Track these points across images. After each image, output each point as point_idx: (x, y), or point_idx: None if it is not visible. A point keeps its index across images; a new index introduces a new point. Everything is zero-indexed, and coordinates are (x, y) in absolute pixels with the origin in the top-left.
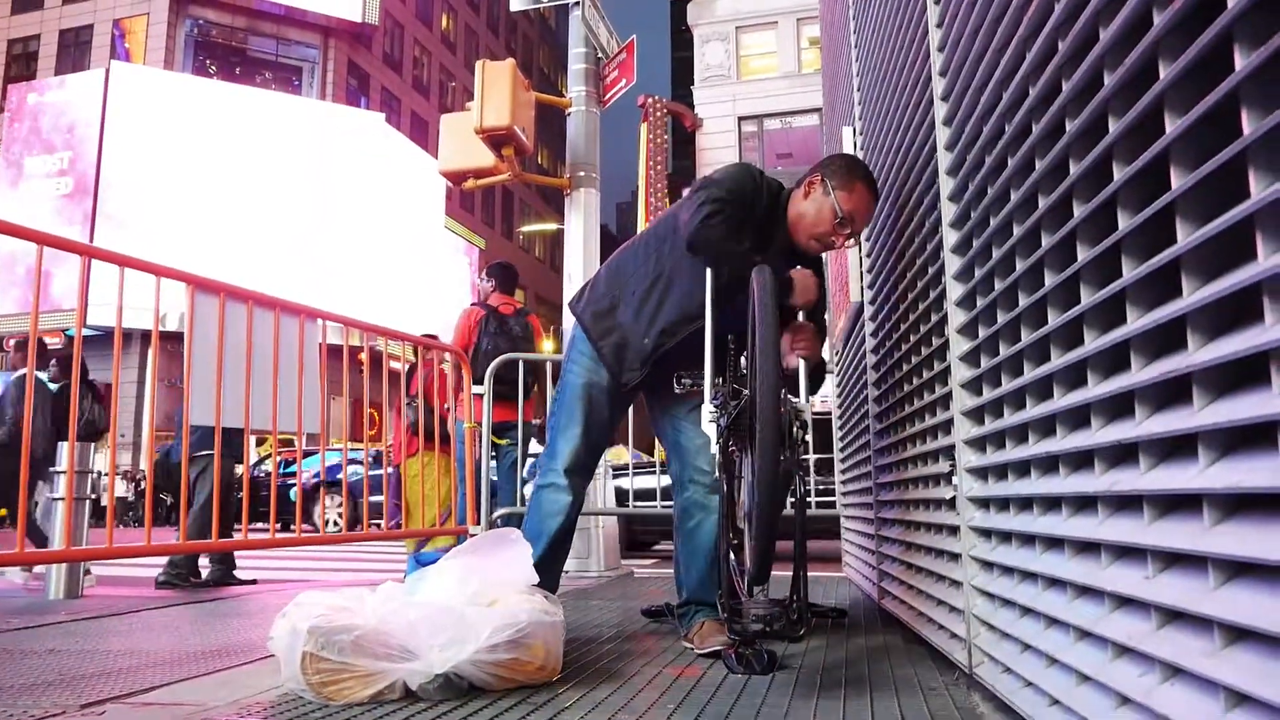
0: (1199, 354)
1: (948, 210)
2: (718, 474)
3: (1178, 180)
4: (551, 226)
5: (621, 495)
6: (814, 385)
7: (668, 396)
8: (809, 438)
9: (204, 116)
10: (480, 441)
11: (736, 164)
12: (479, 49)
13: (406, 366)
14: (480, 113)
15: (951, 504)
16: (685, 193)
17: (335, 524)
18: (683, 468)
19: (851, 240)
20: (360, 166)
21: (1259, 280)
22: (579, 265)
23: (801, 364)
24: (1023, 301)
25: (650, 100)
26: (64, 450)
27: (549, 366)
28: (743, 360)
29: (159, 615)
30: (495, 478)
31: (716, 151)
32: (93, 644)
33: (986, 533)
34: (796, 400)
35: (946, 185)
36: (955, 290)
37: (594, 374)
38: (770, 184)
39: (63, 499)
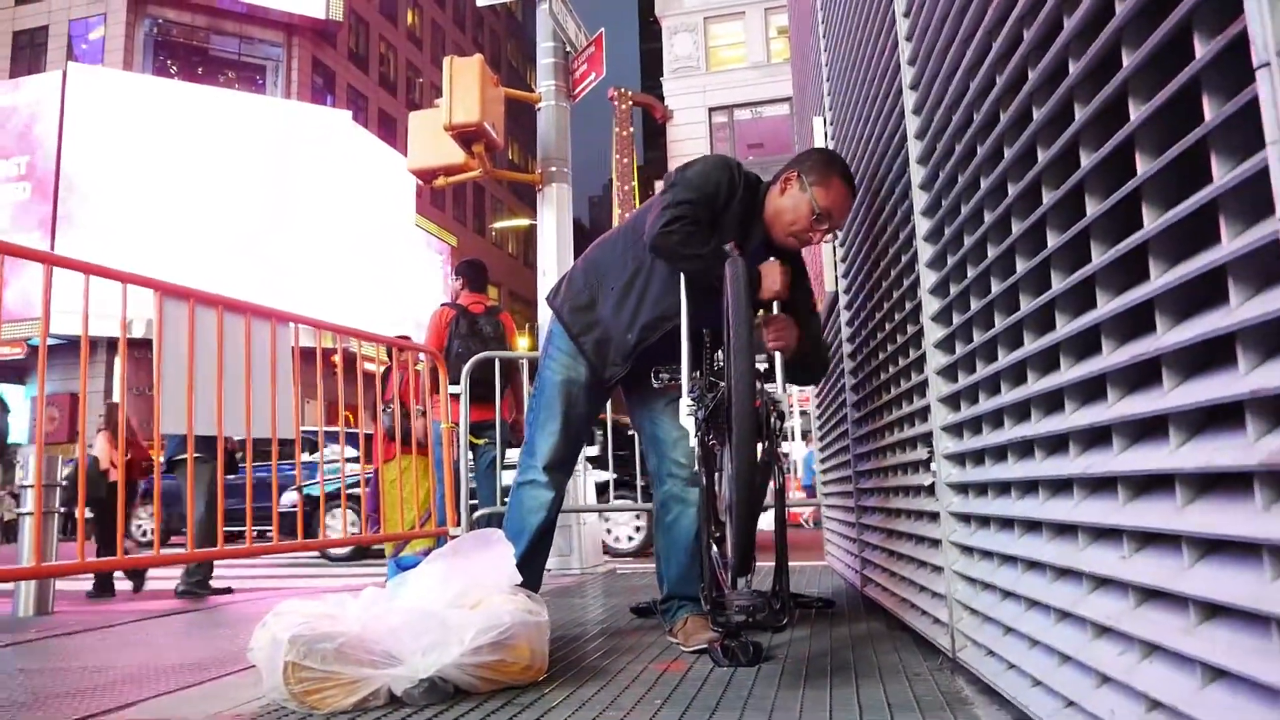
0: (1167, 337)
1: (919, 199)
2: (697, 467)
3: (1143, 166)
4: (524, 222)
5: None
6: (814, 376)
7: (645, 391)
8: (789, 427)
9: (166, 118)
10: (458, 442)
11: (713, 157)
12: (446, 45)
13: (381, 369)
14: (449, 109)
15: (930, 490)
16: (658, 186)
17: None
18: (660, 461)
19: (830, 235)
20: (328, 165)
21: (1224, 263)
22: (553, 261)
23: (778, 355)
24: (995, 288)
25: (617, 92)
26: (31, 463)
27: (525, 365)
28: (720, 354)
29: (134, 629)
30: (474, 477)
31: (687, 143)
32: (65, 661)
33: (966, 518)
34: (773, 390)
35: (917, 174)
36: (929, 278)
37: (571, 370)
38: (749, 177)
39: (31, 514)
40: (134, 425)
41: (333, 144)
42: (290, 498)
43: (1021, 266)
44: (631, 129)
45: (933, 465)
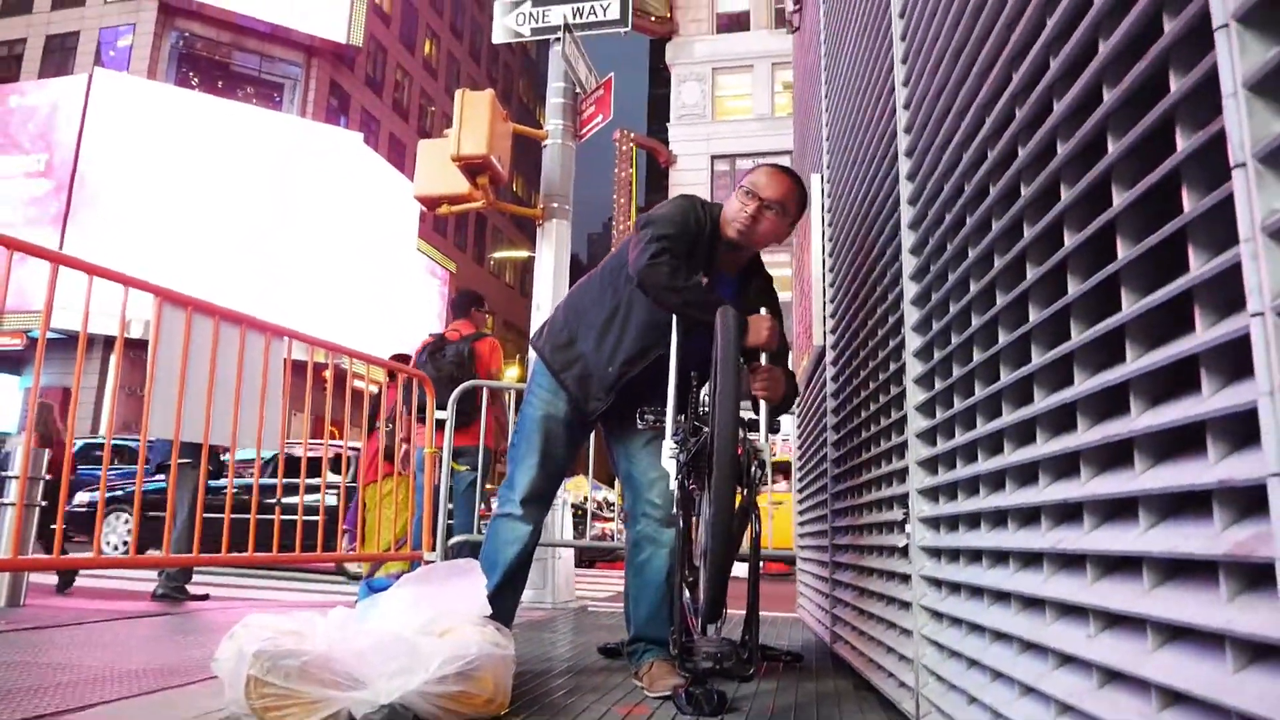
0: (1140, 420)
1: (908, 263)
2: (675, 509)
3: (1124, 250)
4: (522, 254)
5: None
6: (779, 412)
7: (624, 428)
8: (768, 476)
9: (183, 127)
10: (440, 467)
11: (680, 197)
12: (460, 76)
13: (377, 389)
14: (458, 141)
15: (904, 552)
16: (631, 237)
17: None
18: (635, 500)
19: (767, 213)
20: (336, 184)
21: (1196, 352)
22: (548, 294)
23: (764, 406)
24: (977, 356)
25: (621, 134)
26: (17, 455)
27: (511, 396)
28: (704, 395)
29: (103, 629)
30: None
31: (689, 188)
32: (31, 656)
33: (937, 583)
34: (756, 439)
35: (908, 239)
36: (914, 341)
37: (551, 406)
38: (713, 211)
39: (13, 504)
40: (59, 426)
41: (342, 164)
42: (83, 498)
43: (1004, 338)
44: (631, 170)
45: (908, 527)
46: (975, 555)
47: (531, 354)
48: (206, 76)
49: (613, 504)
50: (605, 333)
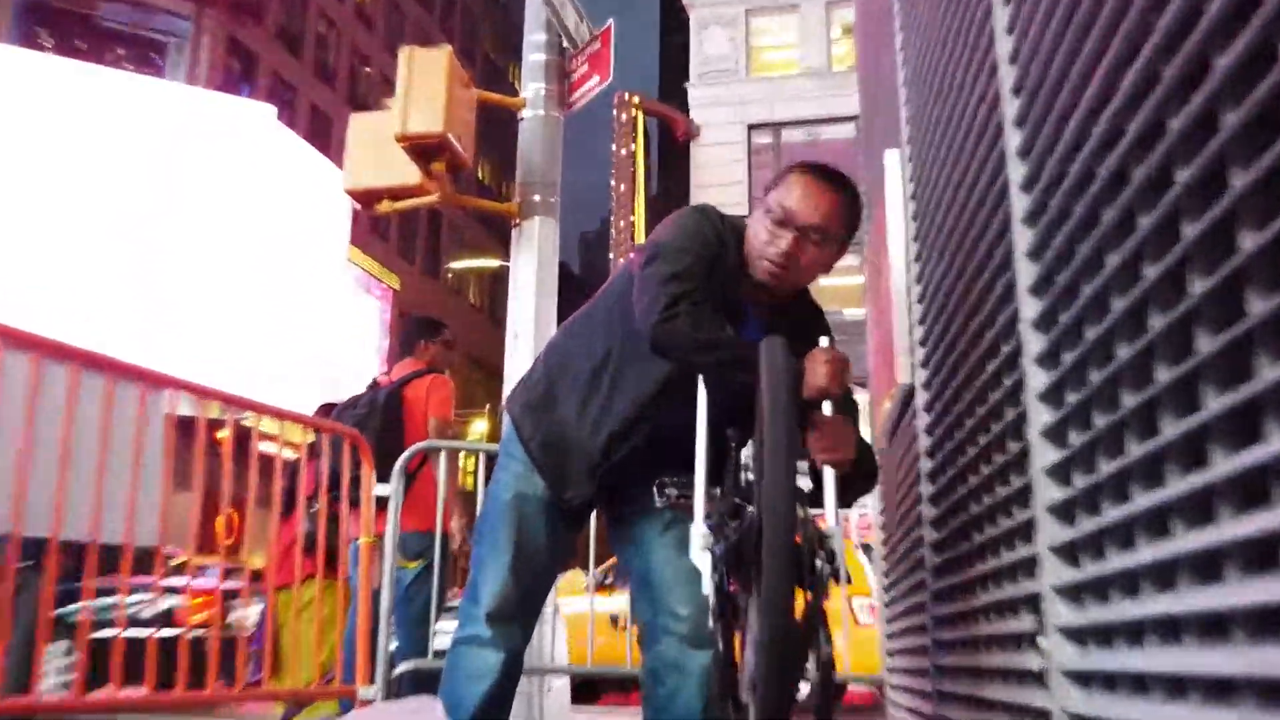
0: None
1: (1025, 271)
2: (711, 623)
3: None
4: (492, 263)
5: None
6: (852, 494)
7: (632, 511)
8: (841, 571)
9: (31, 101)
10: (382, 563)
11: (687, 209)
12: (405, 29)
13: (295, 455)
14: (403, 114)
15: (1039, 679)
16: (632, 257)
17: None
18: (654, 612)
19: (808, 244)
20: (239, 175)
21: None
22: (528, 318)
23: (829, 474)
24: (1127, 401)
25: (621, 99)
26: None
27: (477, 461)
28: (747, 458)
29: None
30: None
31: (717, 168)
32: None
33: None
34: (821, 518)
35: (1023, 238)
36: (1036, 379)
37: (526, 483)
38: (736, 226)
39: None
40: None
41: (247, 147)
42: None
43: (1162, 374)
44: (635, 145)
45: (1041, 642)
46: (1138, 682)
47: (510, 389)
48: (63, 34)
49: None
50: (590, 392)
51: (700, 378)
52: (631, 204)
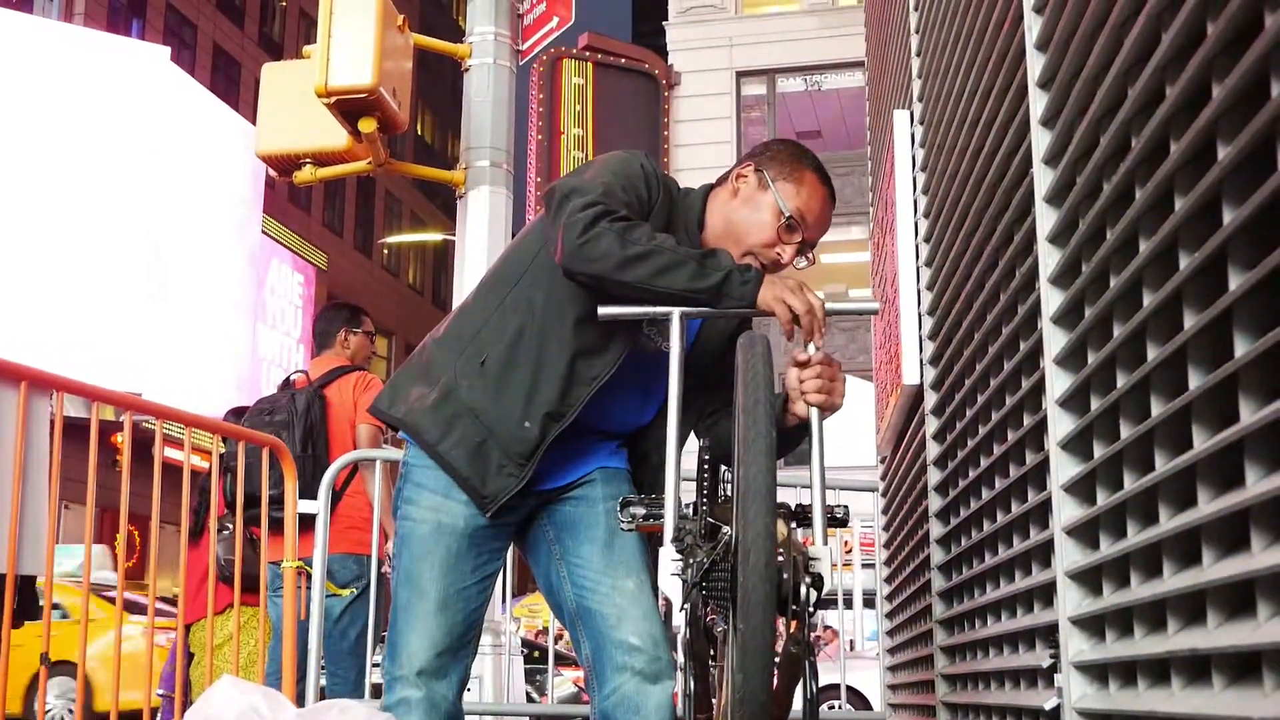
0: None
1: (1048, 257)
2: (680, 658)
3: None
4: (434, 237)
5: None
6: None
7: (557, 528)
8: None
9: None
10: (309, 592)
11: (614, 153)
12: None
13: (207, 465)
14: (326, 64)
15: (1054, 716)
16: (540, 210)
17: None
18: (599, 647)
19: (801, 258)
20: (127, 132)
21: None
22: None
23: (815, 416)
24: (1156, 408)
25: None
26: None
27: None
28: (722, 468)
29: None
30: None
31: (701, 124)
32: None
33: None
34: (808, 538)
35: (1046, 220)
36: (1059, 383)
37: (442, 511)
38: (667, 182)
39: None
40: None
41: (137, 97)
42: None
43: (1194, 379)
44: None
45: (1057, 678)
46: None
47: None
48: None
49: None
50: (508, 371)
51: (675, 335)
52: (560, 157)
